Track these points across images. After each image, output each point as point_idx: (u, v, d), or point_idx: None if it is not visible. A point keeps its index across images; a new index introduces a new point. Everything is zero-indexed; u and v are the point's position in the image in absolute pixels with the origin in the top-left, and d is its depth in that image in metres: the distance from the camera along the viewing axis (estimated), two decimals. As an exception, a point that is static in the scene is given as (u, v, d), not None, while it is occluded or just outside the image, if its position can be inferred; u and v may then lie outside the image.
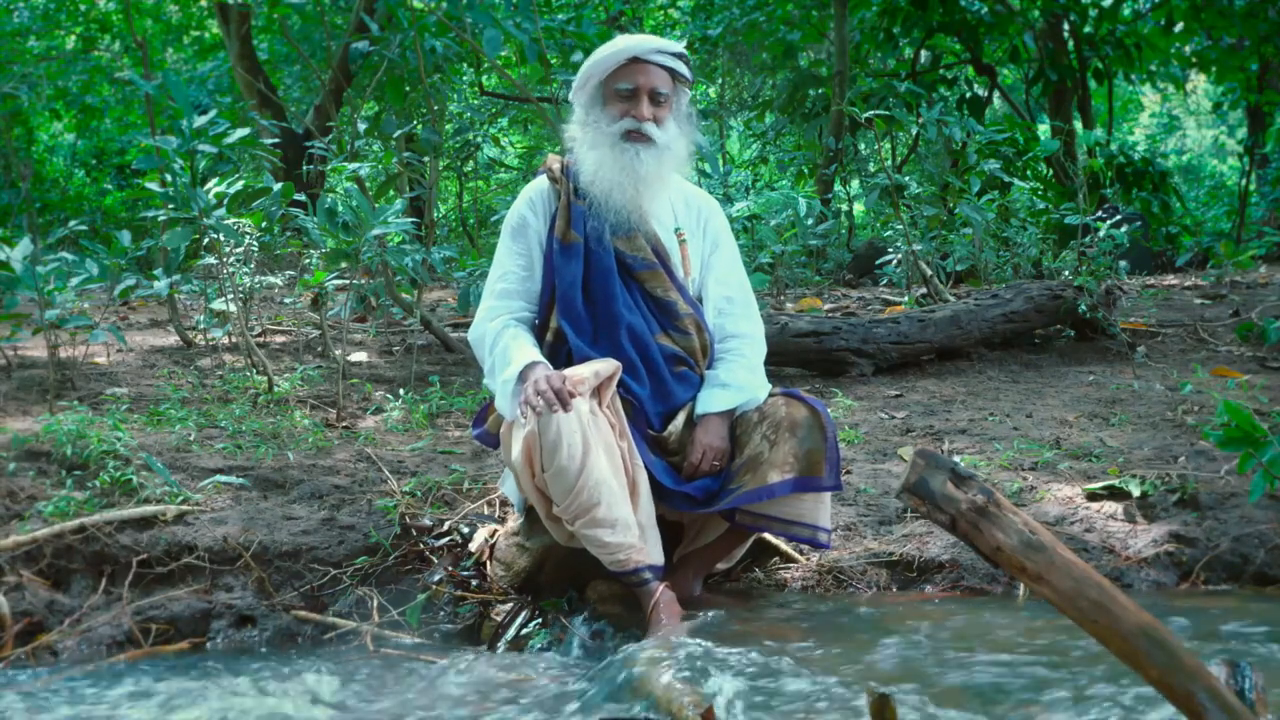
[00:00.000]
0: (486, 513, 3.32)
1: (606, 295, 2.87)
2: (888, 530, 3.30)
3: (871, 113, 6.81)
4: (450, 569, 3.05)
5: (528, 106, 10.43)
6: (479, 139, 11.56)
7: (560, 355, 2.86)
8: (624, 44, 2.88)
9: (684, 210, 3.02)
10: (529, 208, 2.98)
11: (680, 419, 2.89)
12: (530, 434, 2.58)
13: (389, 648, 2.78)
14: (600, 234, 2.88)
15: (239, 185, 4.66)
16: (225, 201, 4.51)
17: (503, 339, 2.84)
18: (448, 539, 3.17)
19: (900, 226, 6.86)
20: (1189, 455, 3.70)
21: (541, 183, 3.01)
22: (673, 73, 2.89)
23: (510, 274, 2.95)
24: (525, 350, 2.78)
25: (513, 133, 14.53)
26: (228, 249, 4.74)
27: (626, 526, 2.63)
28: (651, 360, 2.87)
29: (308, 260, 5.30)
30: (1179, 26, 11.47)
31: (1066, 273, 6.27)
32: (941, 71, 12.10)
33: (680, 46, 2.93)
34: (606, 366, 2.74)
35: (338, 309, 5.40)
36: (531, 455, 2.60)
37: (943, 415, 4.46)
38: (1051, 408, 4.53)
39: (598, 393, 2.71)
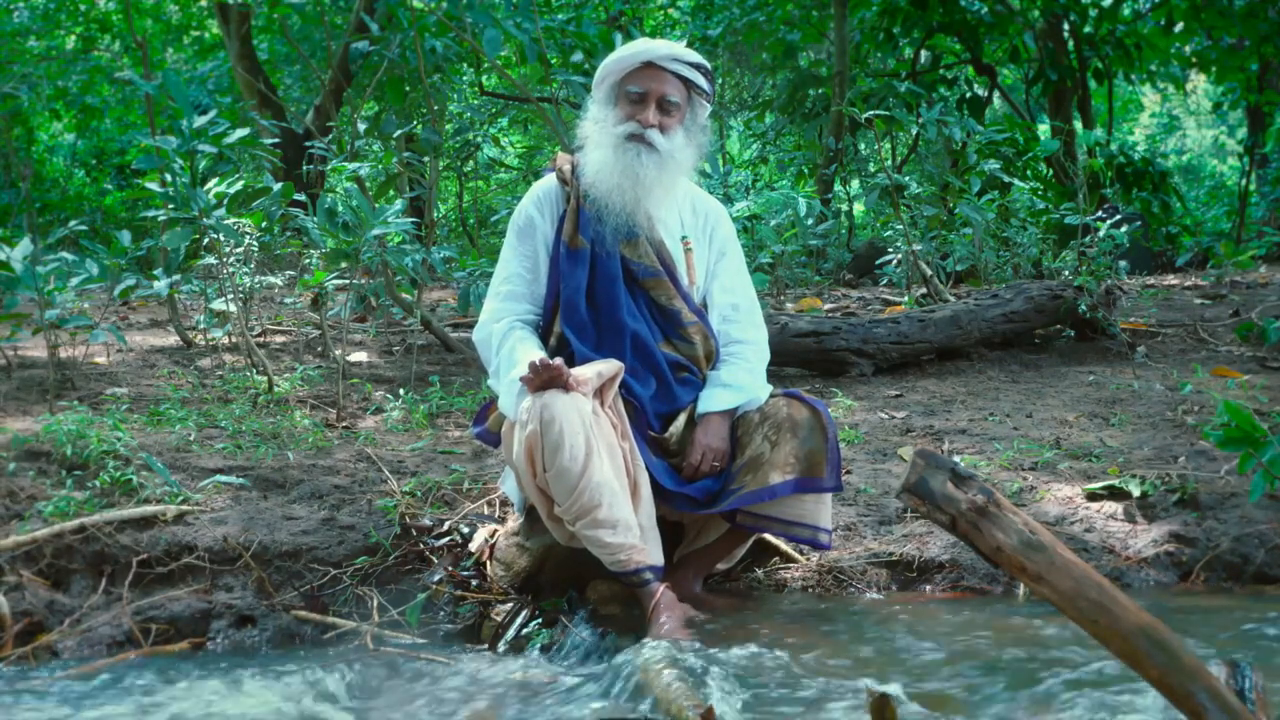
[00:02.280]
0: (486, 513, 3.32)
1: (611, 302, 2.86)
2: (888, 530, 3.30)
3: (871, 113, 6.80)
4: (450, 569, 3.04)
5: (528, 106, 10.42)
6: (479, 139, 11.55)
7: (563, 360, 2.85)
8: (641, 47, 2.86)
9: (691, 217, 3.01)
10: (536, 208, 2.95)
11: (681, 420, 2.89)
12: (532, 434, 2.58)
13: (389, 648, 2.78)
14: (604, 238, 2.88)
15: (239, 185, 4.66)
16: (225, 201, 4.51)
17: (509, 340, 2.84)
18: (448, 539, 3.17)
19: (900, 226, 6.86)
20: (1189, 455, 3.70)
21: (550, 182, 2.99)
22: (689, 83, 2.87)
23: (516, 276, 2.94)
24: (532, 352, 2.77)
25: (513, 133, 14.53)
26: (228, 249, 4.74)
27: (628, 527, 2.63)
28: (655, 367, 2.87)
29: (308, 260, 5.30)
30: (1179, 26, 11.47)
31: (1066, 273, 6.27)
32: (941, 71, 12.10)
33: (702, 59, 2.90)
34: (609, 368, 2.74)
35: (338, 309, 5.40)
36: (533, 455, 2.60)
37: (943, 415, 4.46)
38: (1051, 408, 4.53)
39: (600, 393, 2.71)
